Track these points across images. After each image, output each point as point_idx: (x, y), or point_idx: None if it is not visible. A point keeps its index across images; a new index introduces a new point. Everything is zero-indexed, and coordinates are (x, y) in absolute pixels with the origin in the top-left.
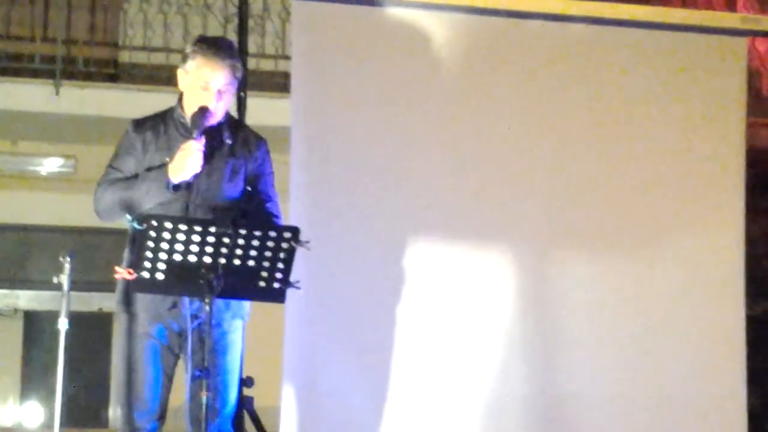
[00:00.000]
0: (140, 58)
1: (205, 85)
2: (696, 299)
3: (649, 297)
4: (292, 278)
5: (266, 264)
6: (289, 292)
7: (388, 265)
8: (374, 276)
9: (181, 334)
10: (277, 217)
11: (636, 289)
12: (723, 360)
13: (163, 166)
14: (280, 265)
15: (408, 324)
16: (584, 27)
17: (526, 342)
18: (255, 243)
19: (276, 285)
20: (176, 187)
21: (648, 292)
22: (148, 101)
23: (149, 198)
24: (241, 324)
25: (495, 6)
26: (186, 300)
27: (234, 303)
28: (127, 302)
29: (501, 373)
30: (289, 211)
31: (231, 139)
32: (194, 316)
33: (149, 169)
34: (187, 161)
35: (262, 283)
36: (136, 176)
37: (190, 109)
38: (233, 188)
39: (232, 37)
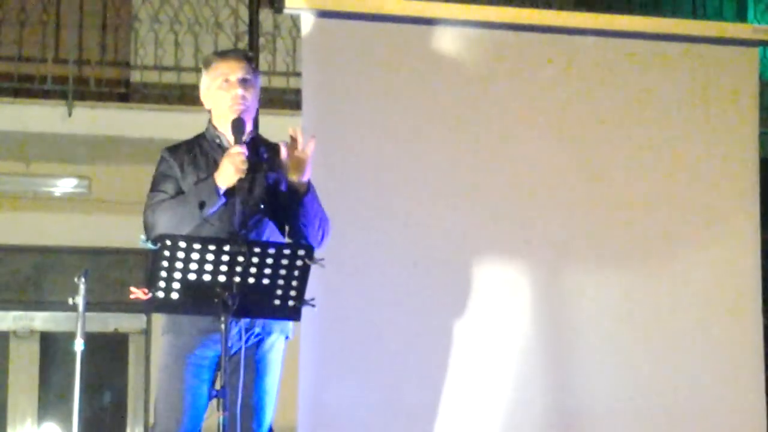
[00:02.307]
0: (152, 77)
1: (225, 79)
2: (712, 311)
3: (665, 309)
4: (307, 296)
5: (281, 282)
6: (305, 310)
7: (404, 282)
8: (390, 293)
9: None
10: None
11: (652, 301)
12: (741, 371)
13: (208, 177)
14: (295, 283)
15: (424, 339)
16: (596, 40)
17: (542, 355)
18: (269, 261)
19: (291, 303)
20: (226, 194)
21: (664, 304)
22: (160, 120)
23: (203, 210)
24: (284, 342)
25: (506, 20)
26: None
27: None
28: (172, 321)
29: (517, 386)
30: None
31: (267, 153)
32: (246, 331)
33: (196, 184)
34: (232, 165)
35: (277, 301)
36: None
37: (221, 124)
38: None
39: None
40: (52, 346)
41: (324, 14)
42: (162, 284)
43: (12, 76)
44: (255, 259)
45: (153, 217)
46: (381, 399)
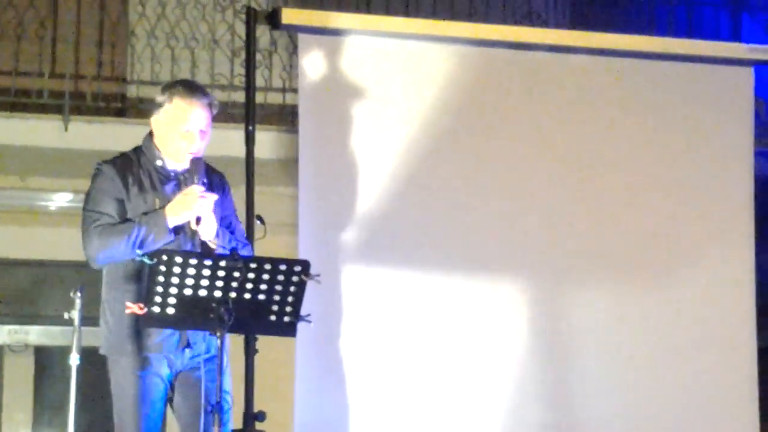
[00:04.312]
0: (148, 92)
1: (188, 128)
2: (708, 327)
3: (661, 325)
4: (303, 312)
5: (276, 298)
6: (300, 326)
7: (400, 298)
8: (385, 309)
9: (176, 371)
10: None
11: (648, 318)
12: (735, 387)
13: (159, 210)
14: (291, 299)
15: (421, 355)
16: (591, 58)
17: (539, 371)
18: (265, 277)
19: (286, 319)
20: (176, 230)
21: (660, 321)
22: None
23: (150, 242)
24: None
25: (498, 38)
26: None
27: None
28: (131, 340)
29: (515, 402)
30: (299, 244)
31: (207, 179)
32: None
33: (145, 214)
34: (190, 204)
35: (272, 317)
36: (126, 220)
37: (166, 151)
38: (223, 235)
39: (240, 71)
40: (46, 360)
41: (320, 31)
42: (158, 299)
43: (8, 90)
44: (251, 275)
45: (93, 240)
46: (376, 414)
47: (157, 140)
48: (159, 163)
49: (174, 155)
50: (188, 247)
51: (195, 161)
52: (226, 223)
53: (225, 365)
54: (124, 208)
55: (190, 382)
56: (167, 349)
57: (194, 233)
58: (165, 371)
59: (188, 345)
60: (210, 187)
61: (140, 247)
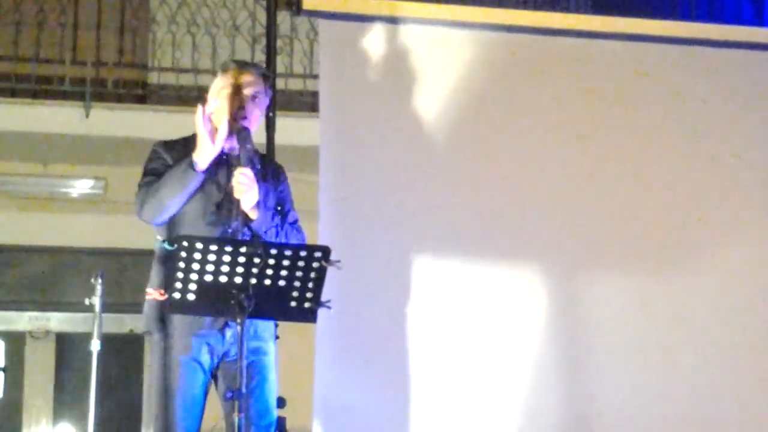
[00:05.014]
0: (169, 79)
1: (236, 88)
2: (729, 317)
3: (681, 315)
4: (323, 298)
5: (297, 284)
6: (321, 312)
7: (419, 285)
8: (405, 296)
9: (219, 356)
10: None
11: (668, 308)
12: (759, 378)
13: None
14: (311, 285)
15: (439, 343)
16: (613, 43)
17: (557, 361)
18: (286, 263)
19: (307, 305)
20: (204, 174)
21: (680, 311)
22: (176, 122)
23: (178, 186)
24: (275, 344)
25: (522, 23)
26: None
27: (269, 325)
28: (163, 321)
29: (533, 392)
30: (319, 231)
31: (260, 164)
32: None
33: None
34: (203, 135)
35: (293, 303)
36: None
37: (218, 123)
38: (265, 212)
39: (261, 57)
40: (67, 346)
41: (341, 17)
42: (179, 285)
43: (30, 77)
44: (271, 261)
45: (141, 196)
46: (395, 401)
47: (212, 118)
48: None
49: (222, 118)
50: (231, 218)
51: (241, 134)
52: (279, 211)
53: (268, 371)
54: None
55: (232, 372)
56: (206, 329)
57: (236, 205)
58: (206, 359)
59: (227, 325)
60: (262, 174)
61: (173, 186)
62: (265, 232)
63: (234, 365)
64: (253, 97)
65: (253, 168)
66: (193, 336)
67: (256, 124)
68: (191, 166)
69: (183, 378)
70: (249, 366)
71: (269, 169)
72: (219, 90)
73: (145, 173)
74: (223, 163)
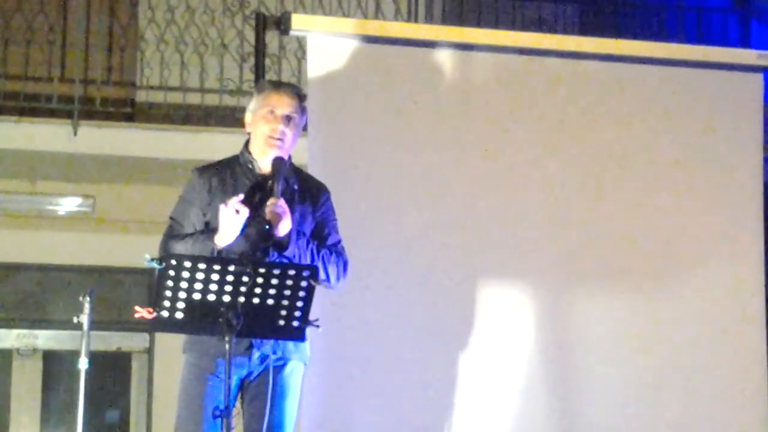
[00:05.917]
0: (157, 97)
1: (271, 110)
2: (717, 331)
3: (670, 329)
4: (311, 316)
5: (285, 302)
6: (309, 331)
7: (409, 304)
8: (395, 314)
9: (247, 380)
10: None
11: (657, 321)
12: (745, 391)
13: (212, 231)
14: (299, 304)
15: (427, 363)
16: (600, 64)
17: (548, 375)
18: (274, 281)
19: (295, 323)
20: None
21: (669, 324)
22: (164, 140)
23: (195, 252)
24: (303, 369)
25: (508, 44)
26: (256, 343)
27: (300, 346)
28: (192, 340)
29: (523, 410)
30: None
31: (297, 185)
32: (263, 358)
33: (207, 225)
34: (228, 226)
35: (281, 322)
36: (193, 233)
37: (255, 151)
38: (297, 241)
39: (249, 75)
40: (54, 364)
41: (329, 36)
42: (167, 303)
43: (18, 95)
44: (260, 279)
45: (162, 247)
46: (385, 421)
47: (250, 140)
48: (250, 165)
49: (260, 144)
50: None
51: (277, 163)
52: (318, 234)
53: (289, 387)
54: (203, 214)
55: (251, 392)
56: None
57: (269, 234)
58: (232, 379)
59: (252, 346)
60: (300, 195)
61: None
62: (299, 257)
63: (255, 386)
64: (288, 119)
65: (289, 190)
66: (220, 357)
67: (291, 146)
68: (211, 240)
69: (207, 394)
70: (260, 384)
71: (308, 190)
72: (254, 113)
73: (172, 215)
74: (260, 187)
